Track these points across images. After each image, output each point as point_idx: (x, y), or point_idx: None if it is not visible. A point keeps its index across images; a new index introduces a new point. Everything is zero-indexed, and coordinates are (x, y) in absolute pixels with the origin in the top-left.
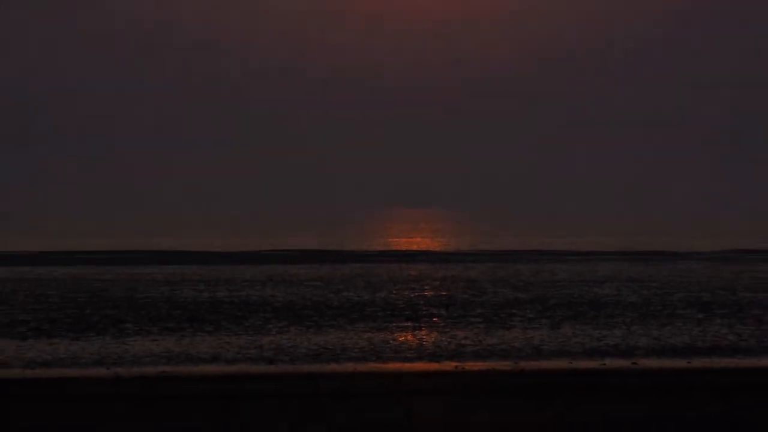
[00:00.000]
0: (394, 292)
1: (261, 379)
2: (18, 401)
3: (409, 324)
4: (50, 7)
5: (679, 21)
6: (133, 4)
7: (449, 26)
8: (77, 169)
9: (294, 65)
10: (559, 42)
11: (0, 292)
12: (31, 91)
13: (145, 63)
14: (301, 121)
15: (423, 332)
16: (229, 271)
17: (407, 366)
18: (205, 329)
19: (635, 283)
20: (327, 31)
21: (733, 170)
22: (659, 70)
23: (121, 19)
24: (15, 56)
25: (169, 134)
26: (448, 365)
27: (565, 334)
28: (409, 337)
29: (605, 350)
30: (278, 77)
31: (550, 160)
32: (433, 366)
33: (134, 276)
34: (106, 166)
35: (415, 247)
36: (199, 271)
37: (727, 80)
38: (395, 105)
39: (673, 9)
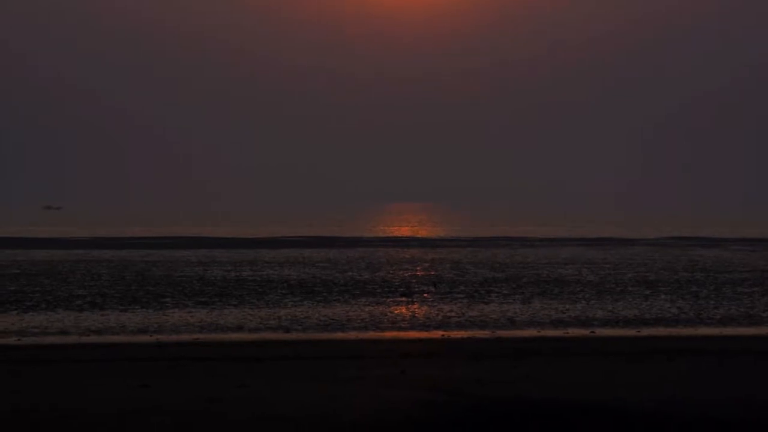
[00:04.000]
0: (390, 272)
1: (279, 344)
2: (74, 362)
3: (403, 299)
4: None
5: None
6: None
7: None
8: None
9: (294, 64)
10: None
11: (60, 271)
12: (87, 88)
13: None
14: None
15: (415, 306)
16: (251, 254)
17: (402, 334)
18: (232, 303)
19: (592, 265)
20: (329, 29)
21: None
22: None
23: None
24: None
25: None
26: (436, 333)
27: (534, 307)
28: (403, 310)
29: (568, 321)
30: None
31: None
32: (424, 334)
33: (172, 258)
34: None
35: (408, 234)
36: (227, 254)
37: None
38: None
39: None
